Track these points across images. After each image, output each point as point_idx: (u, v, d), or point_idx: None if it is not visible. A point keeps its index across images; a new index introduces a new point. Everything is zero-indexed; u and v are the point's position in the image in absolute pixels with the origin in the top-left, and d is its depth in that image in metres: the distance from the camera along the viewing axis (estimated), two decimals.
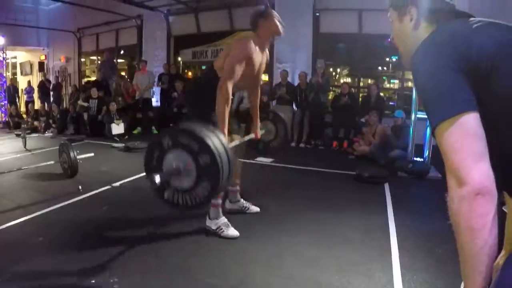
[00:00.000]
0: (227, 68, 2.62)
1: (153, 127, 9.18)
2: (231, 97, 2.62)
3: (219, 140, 2.04)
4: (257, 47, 2.76)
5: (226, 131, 2.58)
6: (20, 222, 3.31)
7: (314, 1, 8.70)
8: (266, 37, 2.83)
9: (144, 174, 2.24)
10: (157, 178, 2.10)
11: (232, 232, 2.90)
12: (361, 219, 3.46)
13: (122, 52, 12.72)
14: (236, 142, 2.89)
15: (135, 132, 9.13)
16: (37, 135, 9.31)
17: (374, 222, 3.39)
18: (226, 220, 2.97)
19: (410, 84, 8.58)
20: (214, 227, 2.95)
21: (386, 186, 4.61)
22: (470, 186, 0.85)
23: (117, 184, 4.54)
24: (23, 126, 9.23)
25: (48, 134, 9.39)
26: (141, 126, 9.33)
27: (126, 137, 8.34)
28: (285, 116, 3.72)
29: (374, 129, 6.47)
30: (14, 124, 10.94)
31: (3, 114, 12.45)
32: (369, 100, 7.61)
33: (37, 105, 12.40)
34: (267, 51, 3.00)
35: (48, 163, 4.94)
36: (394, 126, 6.36)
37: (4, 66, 12.91)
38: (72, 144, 5.11)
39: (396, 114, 6.45)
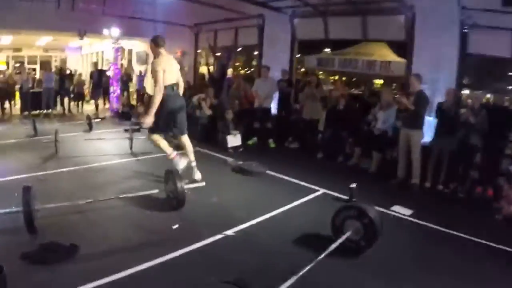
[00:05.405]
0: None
1: (270, 140, 8.47)
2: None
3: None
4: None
5: None
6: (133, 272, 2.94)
7: (462, 16, 6.96)
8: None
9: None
10: None
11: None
12: None
13: (239, 50, 12.24)
14: None
15: (250, 143, 8.44)
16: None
17: None
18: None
19: None
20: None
21: None
22: None
23: (231, 232, 3.72)
24: (132, 119, 9.06)
25: None
26: (257, 136, 8.65)
27: (241, 149, 7.76)
28: None
29: None
30: (124, 115, 11.00)
31: (115, 103, 12.71)
32: None
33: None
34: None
35: (152, 191, 4.34)
36: None
37: (119, 56, 13.20)
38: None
39: None
